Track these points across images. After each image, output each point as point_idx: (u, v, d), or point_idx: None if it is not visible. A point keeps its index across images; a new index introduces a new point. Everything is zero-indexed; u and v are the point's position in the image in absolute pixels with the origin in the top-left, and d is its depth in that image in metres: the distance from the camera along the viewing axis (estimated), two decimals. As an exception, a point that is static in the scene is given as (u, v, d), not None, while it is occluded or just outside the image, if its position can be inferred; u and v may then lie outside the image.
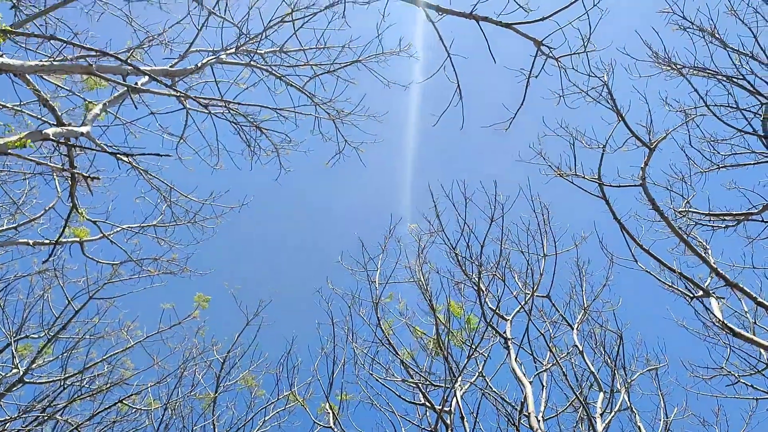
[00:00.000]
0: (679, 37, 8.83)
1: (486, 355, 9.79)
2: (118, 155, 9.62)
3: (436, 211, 10.64)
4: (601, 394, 8.27)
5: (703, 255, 7.13)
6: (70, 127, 7.55)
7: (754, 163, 8.07)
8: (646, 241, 8.81)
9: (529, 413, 7.19)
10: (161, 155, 7.60)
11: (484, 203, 10.13)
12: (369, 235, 11.30)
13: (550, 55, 5.53)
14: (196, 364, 11.48)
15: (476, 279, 9.64)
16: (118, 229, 11.10)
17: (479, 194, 10.22)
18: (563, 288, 11.23)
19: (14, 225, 10.33)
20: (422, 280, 10.44)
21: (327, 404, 9.44)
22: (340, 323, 10.17)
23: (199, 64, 7.88)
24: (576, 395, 8.08)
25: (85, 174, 6.99)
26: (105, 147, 8.62)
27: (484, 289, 9.68)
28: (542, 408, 8.16)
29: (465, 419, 7.83)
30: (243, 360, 11.86)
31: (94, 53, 6.05)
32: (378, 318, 9.63)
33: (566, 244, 11.17)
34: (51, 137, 7.05)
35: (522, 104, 5.69)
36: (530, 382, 8.04)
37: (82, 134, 7.71)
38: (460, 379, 7.90)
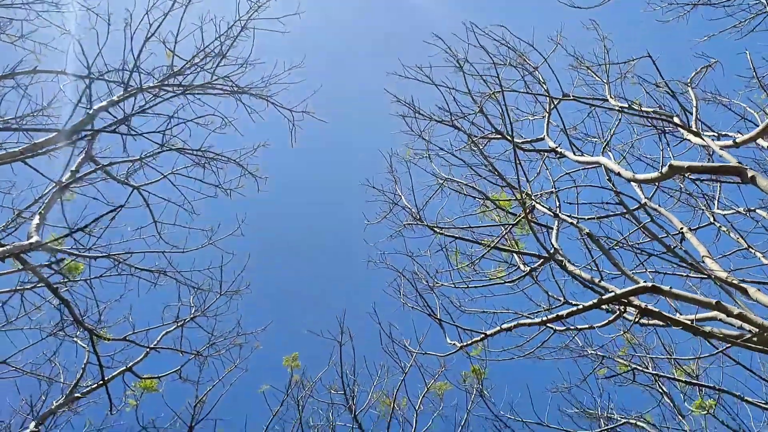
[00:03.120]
0: None
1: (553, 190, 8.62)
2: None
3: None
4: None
5: None
6: (14, 244, 6.87)
7: None
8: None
9: (617, 172, 6.07)
10: (114, 210, 6.88)
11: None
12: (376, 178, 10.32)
13: None
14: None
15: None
16: (161, 335, 10.31)
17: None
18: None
19: (63, 397, 9.61)
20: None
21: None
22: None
23: (114, 98, 7.20)
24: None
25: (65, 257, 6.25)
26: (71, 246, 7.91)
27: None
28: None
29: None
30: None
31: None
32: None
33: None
34: (-4, 254, 6.36)
35: None
36: (602, 154, 6.91)
37: (31, 245, 7.02)
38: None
